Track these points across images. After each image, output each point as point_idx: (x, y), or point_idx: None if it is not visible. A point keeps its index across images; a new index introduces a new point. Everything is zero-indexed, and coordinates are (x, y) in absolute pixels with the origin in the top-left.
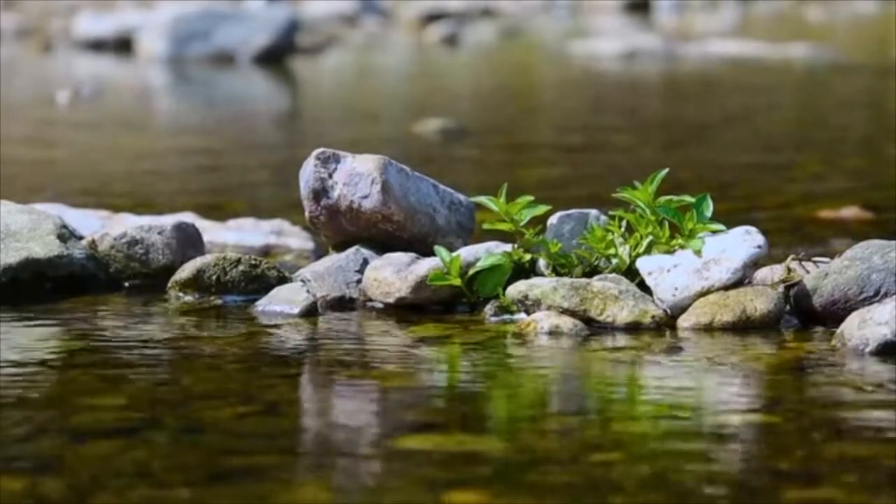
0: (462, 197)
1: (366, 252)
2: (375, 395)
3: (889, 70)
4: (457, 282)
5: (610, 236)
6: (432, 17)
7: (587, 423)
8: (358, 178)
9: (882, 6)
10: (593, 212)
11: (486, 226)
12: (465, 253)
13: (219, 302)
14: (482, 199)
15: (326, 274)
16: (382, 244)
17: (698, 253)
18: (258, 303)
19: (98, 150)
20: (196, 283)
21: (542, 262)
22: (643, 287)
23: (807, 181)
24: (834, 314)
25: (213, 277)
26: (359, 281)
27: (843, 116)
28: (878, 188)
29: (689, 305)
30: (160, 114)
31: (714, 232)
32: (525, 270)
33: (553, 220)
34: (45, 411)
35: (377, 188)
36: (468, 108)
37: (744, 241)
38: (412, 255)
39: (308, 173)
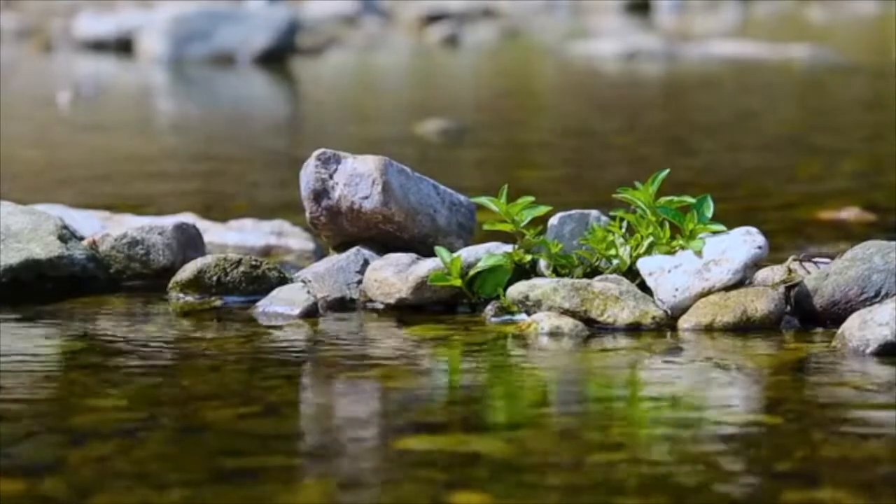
0: (462, 197)
1: (366, 253)
2: (376, 396)
3: (889, 71)
4: (457, 282)
5: (611, 237)
6: (432, 18)
7: (588, 423)
8: (358, 178)
9: (882, 6)
10: (594, 212)
11: (486, 226)
12: (466, 254)
13: (219, 303)
14: (483, 200)
15: (327, 275)
16: (383, 245)
17: (699, 253)
18: (259, 303)
19: (98, 150)
20: (197, 283)
21: (542, 263)
22: (644, 288)
23: (807, 182)
24: (834, 315)
25: (214, 278)
26: (359, 282)
27: (844, 117)
28: (878, 189)
29: (690, 306)
30: (160, 114)
31: (715, 232)
32: (526, 271)
33: (554, 220)
34: (45, 412)
35: (378, 189)
36: (468, 108)
37: (744, 242)
38: (413, 255)
39: (308, 174)
